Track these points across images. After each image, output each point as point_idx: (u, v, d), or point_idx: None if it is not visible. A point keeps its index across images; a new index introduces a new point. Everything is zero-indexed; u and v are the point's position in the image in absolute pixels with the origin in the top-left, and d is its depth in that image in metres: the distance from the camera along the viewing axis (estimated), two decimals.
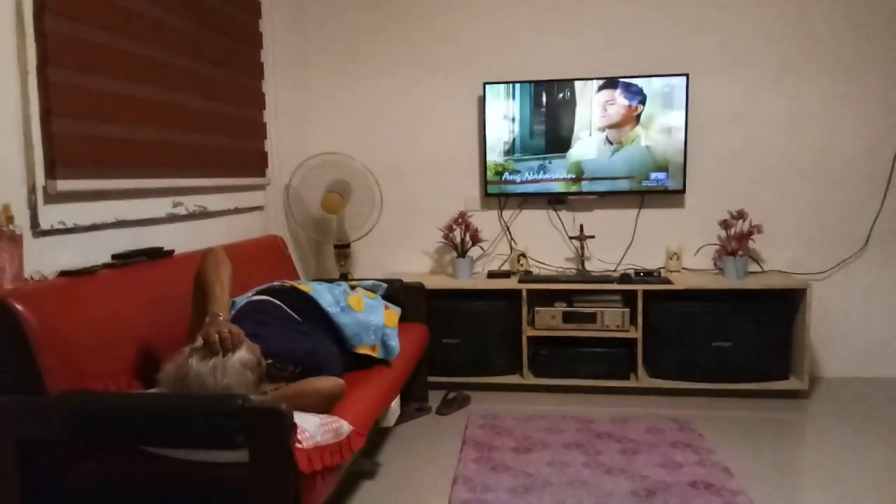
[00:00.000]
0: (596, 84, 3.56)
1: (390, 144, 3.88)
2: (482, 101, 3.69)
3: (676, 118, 3.52)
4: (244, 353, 1.77)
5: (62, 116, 1.95)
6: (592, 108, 3.58)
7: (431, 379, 3.35)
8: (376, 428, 2.47)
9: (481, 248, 3.80)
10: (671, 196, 3.67)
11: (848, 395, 3.34)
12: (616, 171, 3.60)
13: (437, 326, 3.35)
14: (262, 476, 1.55)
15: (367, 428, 2.06)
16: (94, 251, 2.12)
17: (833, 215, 3.59)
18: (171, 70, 2.52)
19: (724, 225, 3.46)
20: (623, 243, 3.74)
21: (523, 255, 3.72)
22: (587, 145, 3.61)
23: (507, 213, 3.83)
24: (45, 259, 1.91)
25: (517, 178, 3.68)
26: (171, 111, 2.52)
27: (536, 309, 3.43)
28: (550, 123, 3.62)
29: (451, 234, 3.63)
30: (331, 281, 2.89)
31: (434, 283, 3.46)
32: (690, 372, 3.31)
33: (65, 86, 1.96)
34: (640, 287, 3.33)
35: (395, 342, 2.56)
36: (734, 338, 3.27)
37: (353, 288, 2.76)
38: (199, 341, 1.75)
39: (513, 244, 3.82)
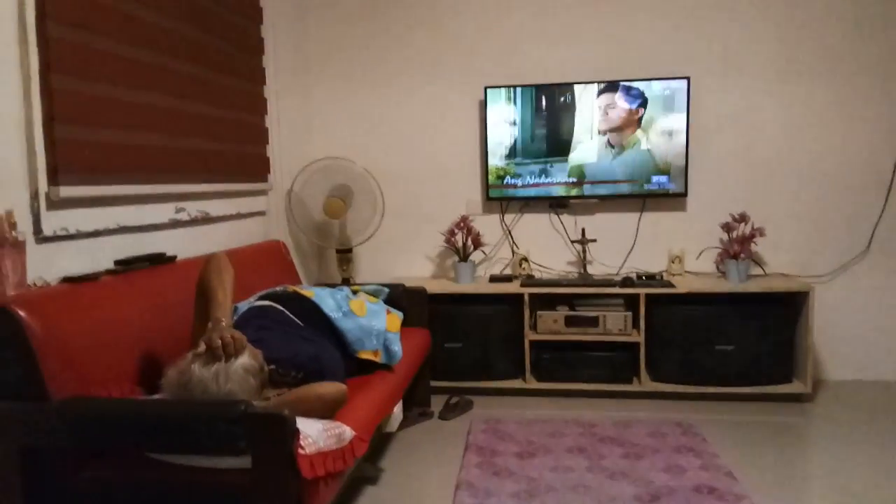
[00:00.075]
0: (597, 88, 3.57)
1: (392, 149, 3.89)
2: (483, 106, 3.69)
3: (678, 121, 3.52)
4: (247, 359, 1.77)
5: (65, 123, 1.95)
6: (593, 112, 3.58)
7: (434, 384, 3.35)
8: (379, 433, 2.46)
9: (483, 252, 3.80)
10: (673, 199, 3.67)
11: (851, 399, 3.34)
12: (617, 175, 3.60)
13: (439, 331, 3.35)
14: (265, 482, 1.55)
15: (370, 433, 2.06)
16: (97, 257, 2.12)
17: (835, 218, 3.58)
18: (174, 76, 2.53)
19: (726, 228, 3.46)
20: (625, 247, 3.74)
21: (525, 259, 3.72)
22: (588, 149, 3.61)
23: (508, 217, 3.83)
24: (48, 265, 1.92)
25: (519, 182, 3.68)
26: (174, 117, 2.53)
27: (538, 313, 3.43)
28: (552, 127, 3.62)
29: (452, 239, 3.64)
30: (333, 286, 2.89)
31: (436, 287, 3.46)
32: (693, 376, 3.30)
33: (67, 92, 1.97)
34: (642, 291, 3.32)
35: (397, 347, 2.56)
36: (737, 341, 3.26)
37: (355, 293, 2.76)
38: (202, 347, 1.75)
39: (514, 248, 3.82)
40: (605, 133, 3.59)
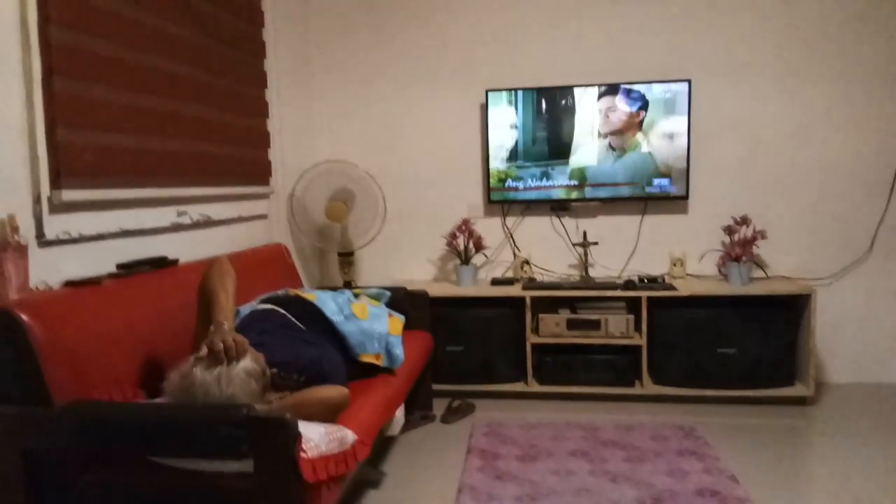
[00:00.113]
0: (598, 91, 3.57)
1: (394, 152, 3.89)
2: (485, 109, 3.70)
3: (679, 124, 3.52)
4: (248, 363, 1.77)
5: (67, 127, 1.96)
6: (594, 115, 3.58)
7: (436, 387, 3.34)
8: (381, 437, 2.46)
9: (485, 255, 3.80)
10: (674, 202, 3.67)
11: (854, 401, 3.33)
12: (619, 178, 3.60)
13: (440, 334, 3.35)
14: (267, 486, 1.55)
15: (372, 437, 2.06)
16: (99, 261, 2.12)
17: (837, 220, 3.58)
18: (176, 80, 2.53)
19: (728, 231, 3.45)
20: (626, 250, 3.74)
21: (527, 262, 3.72)
22: (590, 152, 3.61)
23: (510, 220, 3.83)
24: (50, 269, 1.92)
25: (520, 185, 3.68)
26: (176, 121, 2.53)
27: (540, 316, 3.42)
28: (553, 130, 3.62)
29: (454, 242, 3.64)
30: (335, 289, 2.89)
31: (438, 290, 3.46)
32: (695, 379, 3.30)
33: (69, 96, 1.97)
34: (644, 293, 3.32)
35: (399, 350, 2.56)
36: (739, 344, 3.26)
37: (356, 296, 2.76)
38: (204, 350, 1.75)
39: (516, 251, 3.81)
40: (606, 136, 3.59)
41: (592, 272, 3.71)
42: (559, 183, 3.65)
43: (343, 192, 3.59)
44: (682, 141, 3.53)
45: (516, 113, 3.64)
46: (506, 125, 3.65)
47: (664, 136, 3.54)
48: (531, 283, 3.54)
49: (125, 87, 2.23)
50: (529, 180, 3.67)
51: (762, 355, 3.25)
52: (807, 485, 2.52)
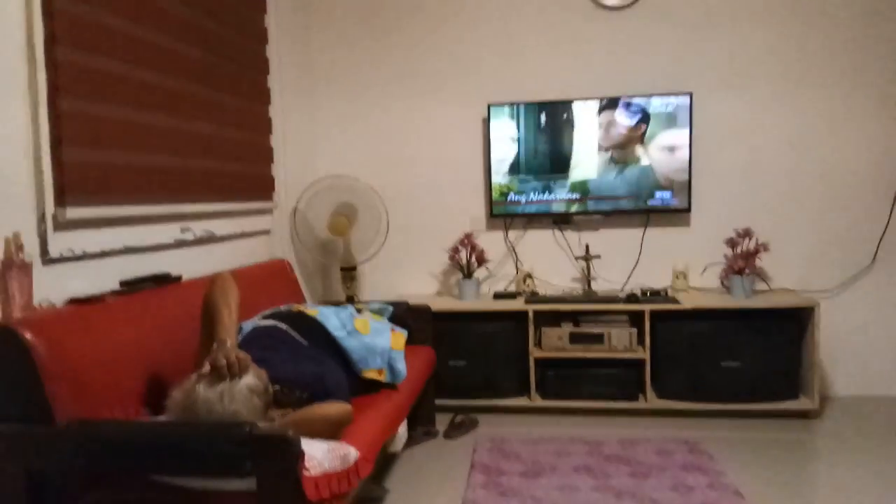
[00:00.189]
0: (599, 104, 3.58)
1: (396, 167, 3.90)
2: (486, 123, 3.71)
3: (681, 137, 3.53)
4: (251, 379, 1.77)
5: (72, 145, 1.97)
6: (596, 128, 3.60)
7: (438, 402, 3.33)
8: (384, 453, 2.45)
9: (487, 269, 3.80)
10: (676, 215, 3.67)
11: (860, 415, 3.31)
12: (620, 191, 3.61)
13: (443, 348, 3.34)
14: None
15: (375, 454, 2.05)
16: (103, 278, 2.12)
17: (840, 232, 3.58)
18: (180, 97, 2.55)
19: (731, 243, 3.45)
20: (629, 263, 3.74)
21: (529, 276, 3.72)
22: (591, 165, 3.62)
23: (512, 234, 3.83)
24: (54, 287, 1.92)
25: (522, 198, 3.69)
26: (180, 138, 2.55)
27: (543, 329, 3.42)
28: (555, 144, 3.64)
29: (456, 256, 3.64)
30: (337, 304, 2.89)
31: (440, 304, 3.46)
32: (699, 392, 3.29)
33: (75, 114, 1.99)
34: (647, 307, 3.31)
35: (401, 365, 2.55)
36: (743, 357, 3.25)
37: (359, 311, 2.76)
38: (207, 367, 1.75)
39: (518, 265, 3.82)
40: (607, 149, 3.60)
41: (595, 285, 3.70)
42: (561, 196, 3.66)
43: (346, 206, 3.60)
44: (684, 154, 3.53)
45: (518, 127, 3.65)
46: (507, 139, 3.66)
47: (665, 149, 3.55)
48: (534, 297, 3.54)
49: (129, 105, 2.25)
50: (531, 194, 3.68)
51: (766, 368, 3.24)
52: (812, 499, 2.50)
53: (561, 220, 3.76)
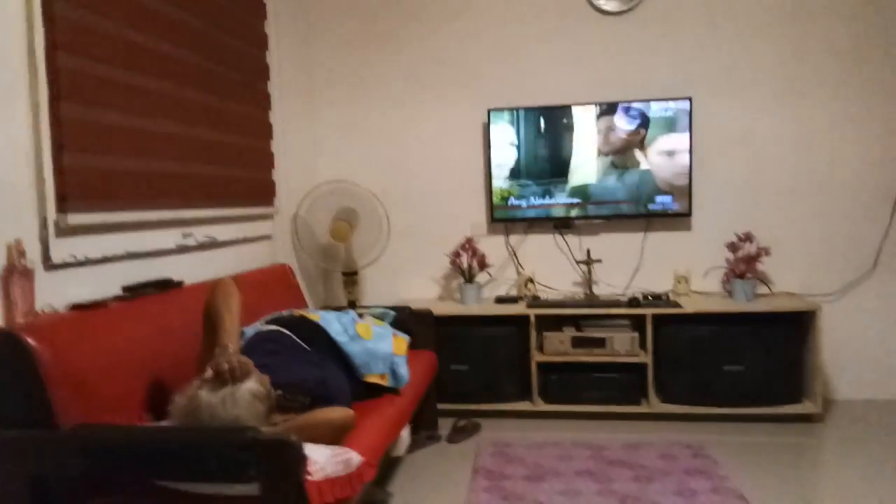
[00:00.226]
0: (600, 109, 3.59)
1: (397, 172, 3.91)
2: (487, 128, 3.72)
3: (681, 142, 3.53)
4: (254, 384, 1.77)
5: (73, 151, 1.97)
6: (596, 133, 3.60)
7: (441, 406, 3.33)
8: (387, 457, 2.45)
9: (488, 273, 3.80)
10: (677, 219, 3.67)
11: (863, 419, 3.31)
12: (621, 195, 3.61)
13: (445, 353, 3.34)
14: None
15: (378, 458, 2.05)
16: (106, 283, 2.13)
17: (841, 236, 3.58)
18: (181, 103, 2.55)
19: (732, 248, 3.45)
20: (630, 267, 3.74)
21: (531, 280, 3.71)
22: (592, 170, 3.62)
23: (513, 238, 3.83)
24: (56, 292, 1.92)
25: (523, 203, 3.69)
26: (181, 143, 2.55)
27: (545, 334, 3.42)
28: (555, 149, 3.64)
29: (458, 260, 3.64)
30: (339, 309, 2.89)
31: (442, 309, 3.45)
32: (702, 396, 3.28)
33: (76, 121, 1.99)
34: (649, 311, 3.31)
35: (404, 370, 2.55)
36: (745, 361, 3.24)
37: (361, 316, 2.76)
38: (209, 373, 1.75)
39: (520, 269, 3.82)
40: (607, 154, 3.60)
41: (596, 289, 3.70)
42: (562, 201, 3.66)
43: (347, 211, 3.60)
44: (683, 158, 3.54)
45: (518, 132, 3.66)
46: (508, 144, 3.67)
47: (665, 153, 3.56)
48: (535, 301, 3.54)
49: (131, 111, 2.25)
50: (532, 198, 3.68)
51: (769, 372, 3.24)
52: (816, 502, 2.49)
53: (562, 225, 3.76)
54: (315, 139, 3.96)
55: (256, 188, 3.19)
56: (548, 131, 3.64)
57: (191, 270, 2.59)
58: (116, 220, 2.17)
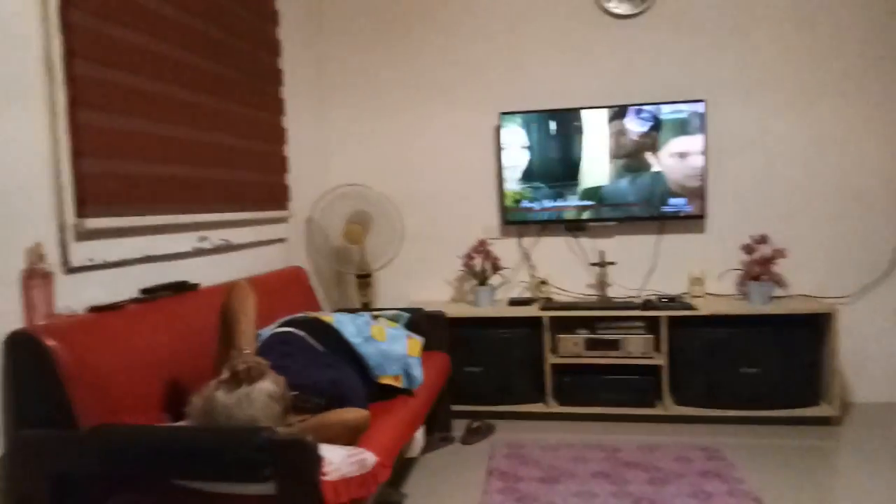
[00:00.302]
0: (612, 112, 3.58)
1: (410, 175, 3.92)
2: (498, 132, 3.73)
3: (694, 144, 3.52)
4: (270, 385, 1.79)
5: (91, 156, 2.00)
6: (608, 136, 3.60)
7: (455, 408, 3.34)
8: (401, 458, 2.46)
9: (502, 275, 3.80)
10: (691, 221, 3.66)
11: (881, 421, 3.27)
12: (634, 198, 3.60)
13: (459, 355, 3.35)
14: None
15: (392, 459, 2.06)
16: (123, 286, 2.16)
17: (857, 238, 3.55)
18: (196, 109, 2.58)
19: (747, 250, 3.43)
20: (644, 269, 3.73)
21: (544, 283, 3.71)
22: (605, 172, 3.62)
23: (526, 241, 3.84)
24: (75, 295, 1.95)
25: (536, 205, 3.69)
26: (197, 148, 2.58)
27: (559, 336, 3.41)
28: (567, 151, 3.64)
29: (471, 263, 3.65)
30: (353, 311, 2.91)
31: (455, 311, 3.46)
32: (718, 399, 3.26)
33: (93, 127, 2.02)
34: (663, 313, 3.30)
35: (418, 372, 2.56)
36: (762, 364, 3.22)
37: (375, 318, 2.77)
38: (226, 374, 1.77)
39: (533, 272, 3.81)
40: (621, 156, 3.60)
41: (610, 292, 3.70)
42: (575, 203, 3.66)
43: (360, 214, 3.62)
44: (697, 160, 3.52)
45: (531, 135, 3.66)
46: (520, 147, 3.67)
47: (677, 156, 3.54)
48: (549, 304, 3.54)
49: (148, 117, 2.28)
50: (545, 201, 3.68)
51: (785, 375, 3.21)
52: None
53: (574, 227, 3.75)
54: (328, 143, 3.99)
55: (271, 192, 3.21)
56: (560, 134, 3.64)
57: (207, 273, 2.61)
58: (134, 224, 2.20)
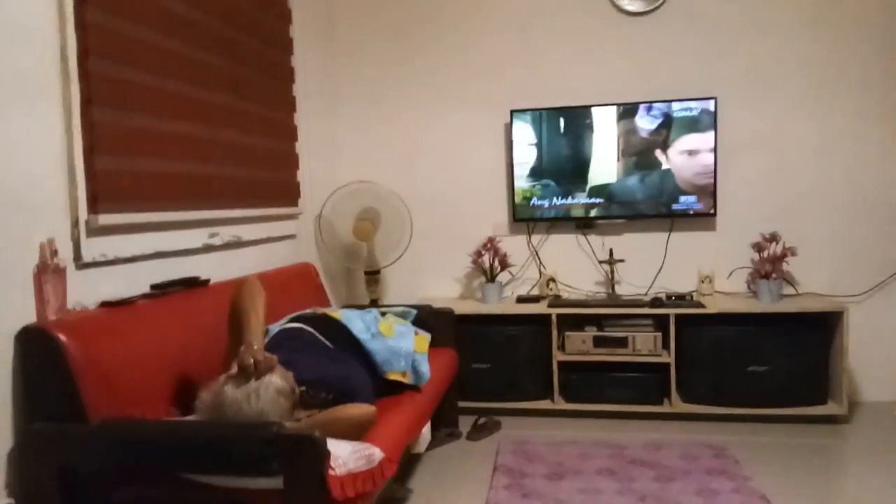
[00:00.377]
0: (622, 109, 3.58)
1: (419, 172, 3.94)
2: (509, 129, 3.73)
3: (705, 141, 3.51)
4: (278, 381, 1.80)
5: (104, 153, 2.03)
6: (618, 134, 3.59)
7: (462, 404, 3.35)
8: (407, 454, 2.48)
9: (510, 272, 3.81)
10: (702, 219, 3.65)
11: (889, 420, 3.26)
12: (644, 195, 3.60)
13: (466, 351, 3.36)
14: (296, 503, 1.57)
15: (399, 454, 2.07)
16: (134, 282, 2.18)
17: (868, 237, 3.53)
18: (209, 106, 2.61)
19: (757, 248, 3.42)
20: (654, 267, 3.72)
21: (552, 280, 3.72)
22: (615, 170, 3.61)
23: (535, 238, 3.84)
24: (87, 290, 1.98)
25: (545, 203, 3.69)
26: (208, 145, 2.60)
27: (567, 333, 3.42)
28: (578, 149, 3.64)
29: (479, 260, 3.66)
30: (361, 307, 2.93)
31: (463, 308, 3.47)
32: (725, 397, 3.26)
33: (107, 124, 2.05)
34: (672, 311, 3.30)
35: (425, 368, 2.58)
36: (770, 362, 3.22)
37: (383, 314, 2.79)
38: (235, 369, 1.79)
39: (542, 269, 3.82)
40: (631, 154, 3.59)
41: (619, 289, 3.69)
42: (584, 201, 3.66)
43: (370, 211, 3.64)
44: (707, 158, 3.51)
45: (541, 132, 3.66)
46: (530, 144, 3.68)
47: (687, 153, 3.53)
48: (557, 301, 3.54)
49: (160, 115, 2.30)
50: (554, 198, 3.68)
51: (793, 373, 3.21)
52: None
53: (584, 225, 3.75)
54: (338, 140, 4.00)
55: (281, 189, 3.23)
56: (570, 132, 3.64)
57: (217, 269, 2.64)
58: (145, 221, 2.23)
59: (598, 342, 3.38)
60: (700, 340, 3.28)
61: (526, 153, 3.69)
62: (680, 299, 3.44)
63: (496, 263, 3.64)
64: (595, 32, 3.71)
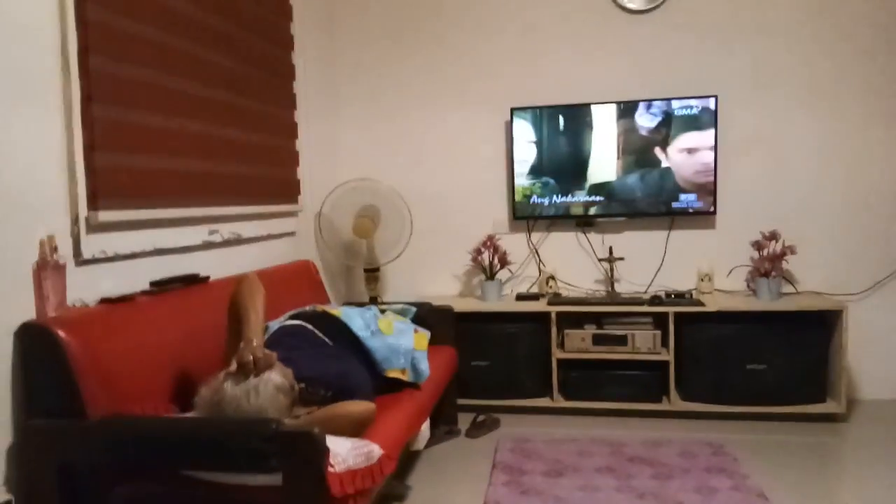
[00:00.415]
0: (623, 107, 3.58)
1: (420, 170, 3.94)
2: (509, 126, 3.73)
3: (706, 139, 3.51)
4: (277, 377, 1.81)
5: (104, 150, 2.03)
6: (619, 131, 3.59)
7: (461, 401, 3.36)
8: (406, 451, 2.48)
9: (510, 270, 3.82)
10: (701, 217, 3.65)
11: (887, 419, 3.27)
12: (644, 193, 3.60)
13: (466, 349, 3.36)
14: (295, 499, 1.57)
15: (398, 451, 2.08)
16: (134, 278, 2.18)
17: (868, 235, 3.53)
18: (209, 103, 2.61)
19: (757, 246, 3.43)
20: (653, 265, 3.72)
21: (552, 278, 3.72)
22: (615, 168, 3.61)
23: (535, 236, 3.84)
24: (87, 287, 1.98)
25: (545, 201, 3.70)
26: (209, 143, 2.60)
27: (566, 331, 3.42)
28: (578, 147, 3.64)
29: (479, 258, 3.66)
30: (361, 305, 2.93)
31: (463, 305, 3.48)
32: (724, 395, 3.27)
33: (107, 121, 2.05)
34: (671, 309, 3.30)
35: (424, 365, 2.58)
36: (769, 360, 3.22)
37: (382, 312, 2.79)
38: (234, 366, 1.79)
39: (541, 266, 3.82)
40: (632, 152, 3.60)
41: (618, 287, 3.70)
42: (584, 199, 3.66)
43: (370, 209, 3.64)
44: (707, 156, 3.51)
45: (541, 130, 3.66)
46: (530, 142, 3.68)
47: (687, 151, 3.54)
48: (556, 299, 3.54)
49: (160, 111, 2.30)
50: (554, 196, 3.68)
51: (792, 371, 3.21)
52: (838, 503, 2.47)
53: (584, 223, 3.76)
54: (339, 137, 4.00)
55: (281, 186, 3.24)
56: (570, 129, 3.64)
57: (217, 266, 2.64)
58: (145, 217, 2.23)
59: (598, 340, 3.39)
60: (699, 338, 3.29)
61: (526, 151, 3.69)
62: (679, 297, 3.45)
63: (496, 261, 3.64)
64: (595, 30, 3.71)
